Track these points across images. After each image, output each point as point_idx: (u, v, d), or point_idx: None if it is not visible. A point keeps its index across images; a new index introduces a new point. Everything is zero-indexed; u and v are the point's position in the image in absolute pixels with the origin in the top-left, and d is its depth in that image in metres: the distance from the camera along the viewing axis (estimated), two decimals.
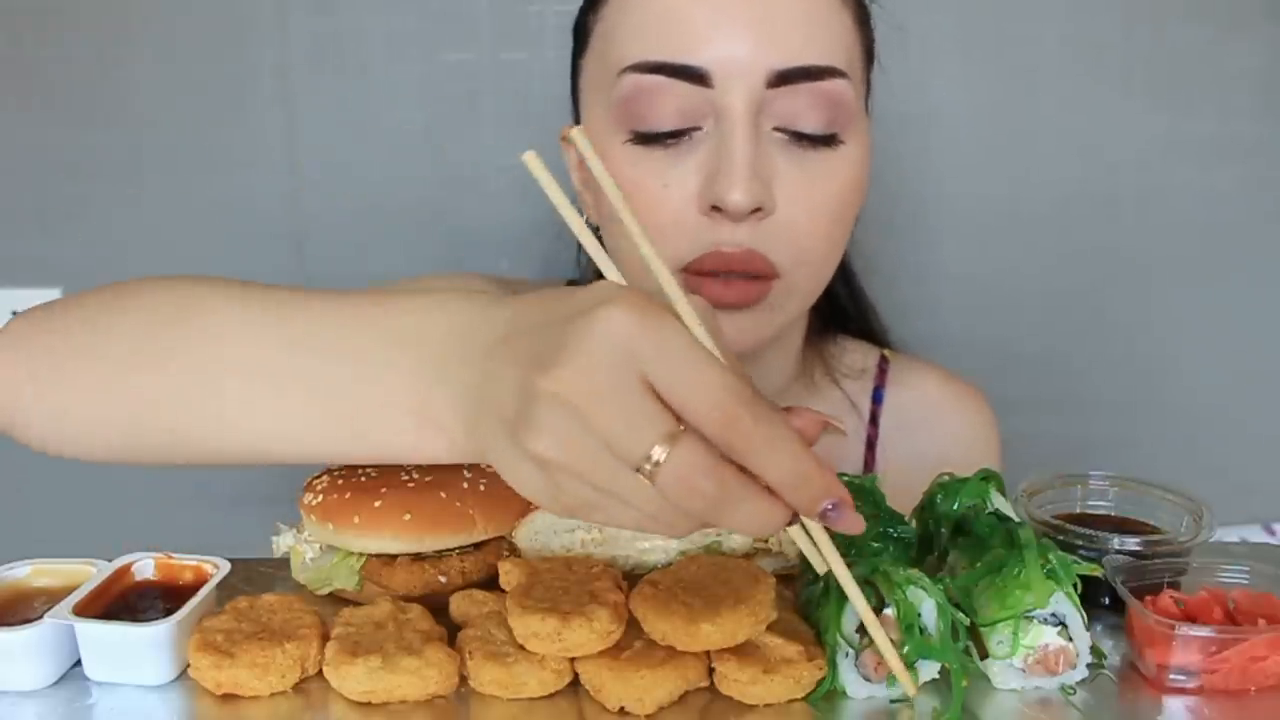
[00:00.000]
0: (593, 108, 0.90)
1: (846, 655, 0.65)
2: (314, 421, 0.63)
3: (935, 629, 0.64)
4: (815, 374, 1.07)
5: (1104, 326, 1.46)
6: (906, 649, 0.63)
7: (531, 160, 0.58)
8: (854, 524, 0.53)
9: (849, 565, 0.60)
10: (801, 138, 0.84)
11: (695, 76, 0.82)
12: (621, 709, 0.63)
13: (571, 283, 1.11)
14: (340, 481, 0.76)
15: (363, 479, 0.76)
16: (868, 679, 0.65)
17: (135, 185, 1.40)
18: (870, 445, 1.07)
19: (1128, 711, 0.66)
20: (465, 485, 0.75)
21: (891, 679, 0.64)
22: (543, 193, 0.58)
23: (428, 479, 0.76)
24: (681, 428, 0.50)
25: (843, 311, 1.11)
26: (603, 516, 0.54)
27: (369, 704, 0.64)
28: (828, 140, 0.85)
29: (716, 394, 0.49)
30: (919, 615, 0.64)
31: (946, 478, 0.78)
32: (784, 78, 0.82)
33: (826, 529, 0.57)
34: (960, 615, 0.65)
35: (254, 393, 0.64)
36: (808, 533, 0.59)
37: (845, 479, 0.79)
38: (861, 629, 0.63)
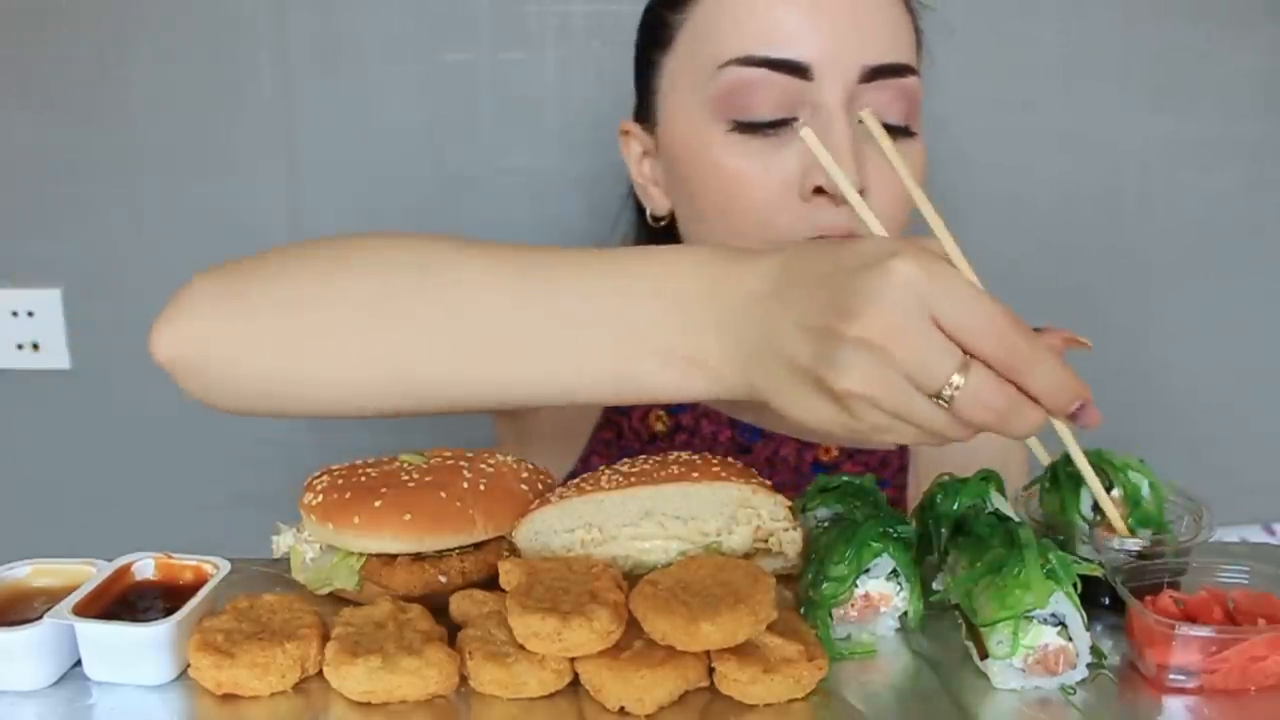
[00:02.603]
0: (682, 100, 0.94)
1: (1083, 533, 0.73)
2: (581, 370, 0.71)
3: (1149, 503, 0.74)
4: None
5: (1104, 326, 1.46)
6: (1130, 520, 0.74)
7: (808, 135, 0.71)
8: (1096, 417, 0.64)
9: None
10: (886, 128, 0.87)
11: (797, 70, 0.87)
12: (621, 709, 0.63)
13: None
14: (340, 481, 0.76)
15: (363, 479, 0.76)
16: (1096, 549, 0.73)
17: (135, 185, 1.41)
18: None
19: (1128, 711, 0.66)
20: (465, 485, 0.75)
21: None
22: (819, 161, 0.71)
23: (428, 479, 0.75)
24: (967, 357, 0.61)
25: None
26: (892, 436, 0.65)
27: (369, 704, 0.64)
28: (906, 131, 0.91)
29: (997, 324, 0.60)
30: (1140, 494, 0.74)
31: (946, 478, 0.78)
32: (875, 73, 0.88)
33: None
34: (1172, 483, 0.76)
35: (506, 344, 0.72)
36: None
37: (844, 479, 0.80)
38: (1095, 508, 0.74)
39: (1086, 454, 0.71)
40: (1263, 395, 1.50)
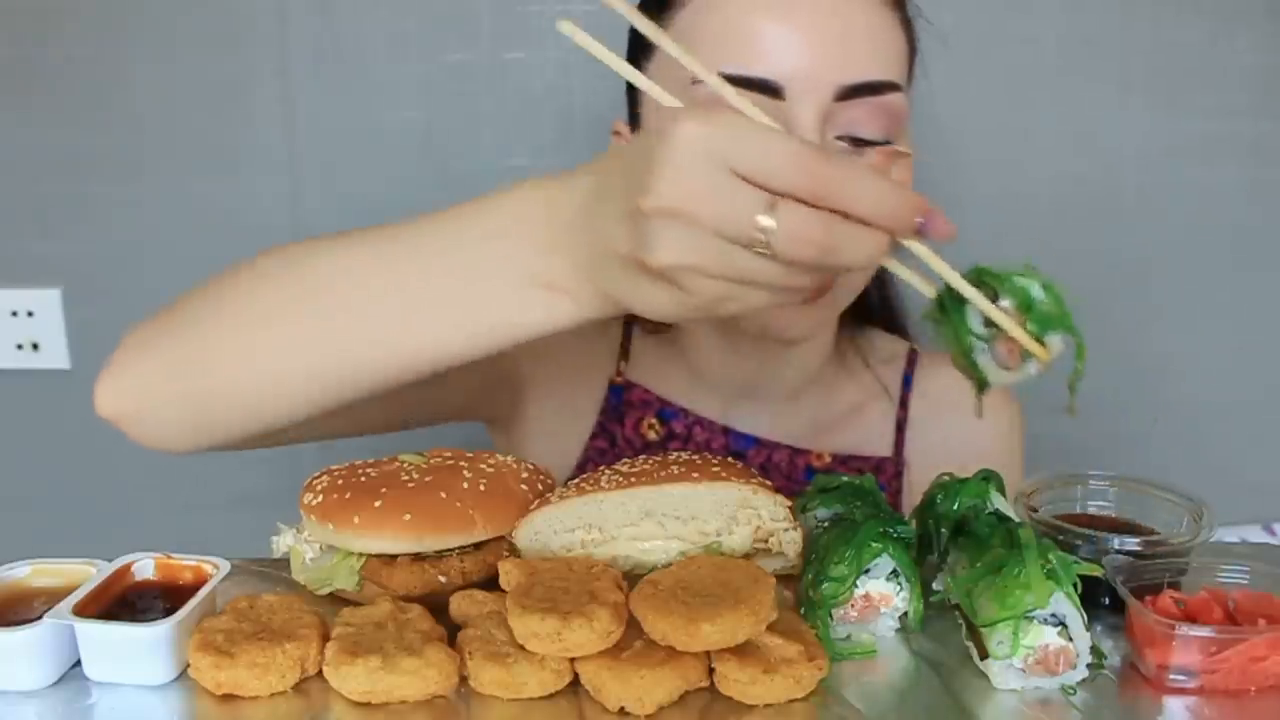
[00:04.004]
0: (659, 110, 0.91)
1: (983, 351, 0.68)
2: (450, 322, 0.70)
3: (1047, 304, 0.66)
4: (848, 358, 1.11)
5: (1103, 325, 1.45)
6: (1030, 326, 0.66)
7: (572, 29, 0.66)
8: (947, 228, 0.60)
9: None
10: (861, 144, 0.87)
11: (768, 89, 0.85)
12: (621, 709, 0.63)
13: None
14: (340, 481, 0.76)
15: (363, 479, 0.76)
16: (1006, 367, 0.67)
17: (135, 185, 1.40)
18: (900, 428, 1.09)
19: (1128, 711, 0.66)
20: (465, 485, 0.75)
21: (1026, 355, 0.67)
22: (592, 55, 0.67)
23: (428, 479, 0.76)
24: (774, 197, 0.57)
25: (871, 308, 1.14)
26: (737, 305, 0.62)
27: (369, 704, 0.64)
28: (883, 147, 0.88)
29: (795, 155, 0.57)
30: (1031, 296, 0.66)
31: (946, 478, 0.78)
32: (851, 92, 0.85)
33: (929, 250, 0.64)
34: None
35: (387, 313, 0.71)
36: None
37: (844, 479, 0.80)
38: (987, 323, 0.67)
39: (966, 275, 0.67)
40: (1263, 395, 1.50)
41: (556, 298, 0.67)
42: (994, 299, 0.66)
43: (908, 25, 0.93)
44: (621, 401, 1.09)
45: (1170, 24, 1.37)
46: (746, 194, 0.57)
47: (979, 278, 0.67)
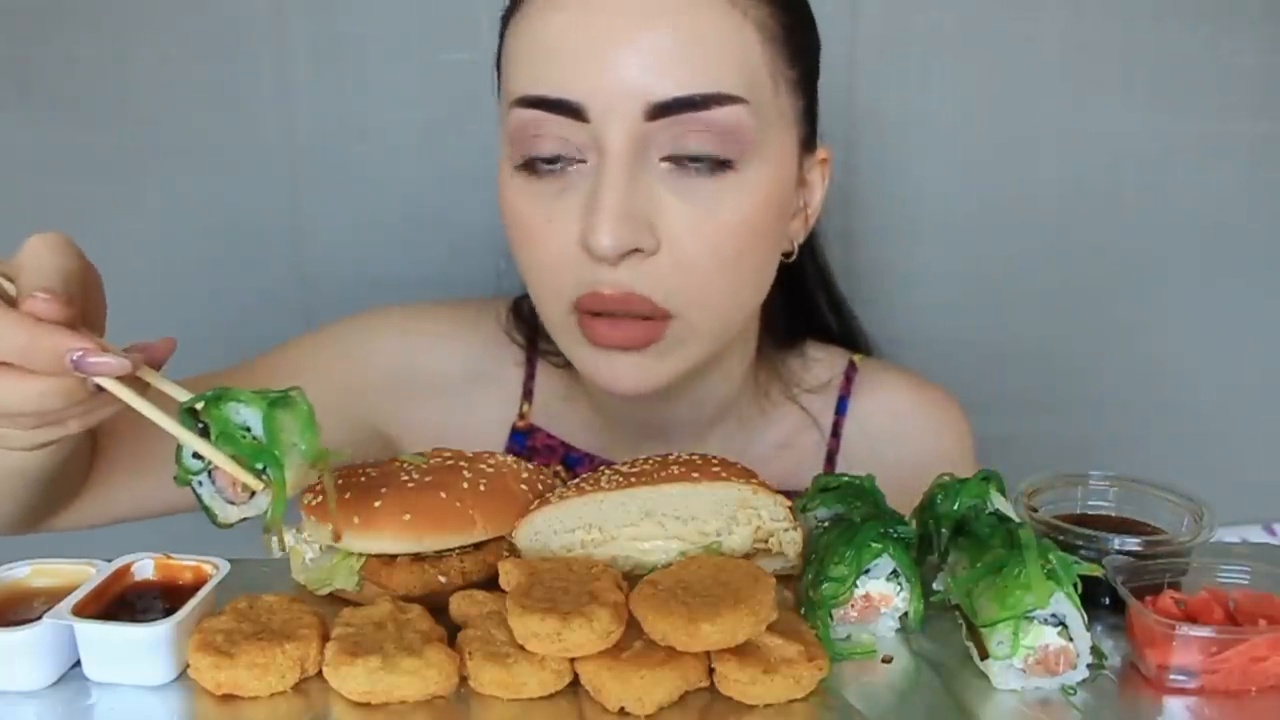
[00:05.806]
0: (500, 137, 0.88)
1: (200, 484, 0.68)
2: None
3: (263, 435, 0.65)
4: (771, 391, 1.05)
5: (1103, 326, 1.46)
6: (248, 457, 0.66)
7: None
8: (109, 366, 0.62)
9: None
10: (688, 168, 0.81)
11: (572, 111, 0.80)
12: (621, 709, 0.63)
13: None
14: (340, 482, 0.76)
15: (363, 479, 0.76)
16: (232, 501, 0.68)
17: (135, 185, 1.40)
18: (830, 458, 1.04)
19: (1128, 711, 0.66)
20: (465, 485, 0.75)
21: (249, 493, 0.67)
22: None
23: (428, 479, 0.75)
24: None
25: (822, 320, 1.09)
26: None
27: (369, 704, 0.64)
28: (719, 169, 0.82)
29: None
30: (239, 424, 0.66)
31: (947, 478, 0.78)
32: (664, 109, 0.79)
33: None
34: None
35: None
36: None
37: (844, 479, 0.80)
38: (198, 455, 0.67)
39: (186, 404, 0.66)
40: (1263, 395, 1.50)
41: None
42: (204, 432, 0.66)
43: (775, 29, 0.84)
44: (524, 448, 1.04)
45: (1170, 25, 1.38)
46: None
47: (194, 406, 0.66)
